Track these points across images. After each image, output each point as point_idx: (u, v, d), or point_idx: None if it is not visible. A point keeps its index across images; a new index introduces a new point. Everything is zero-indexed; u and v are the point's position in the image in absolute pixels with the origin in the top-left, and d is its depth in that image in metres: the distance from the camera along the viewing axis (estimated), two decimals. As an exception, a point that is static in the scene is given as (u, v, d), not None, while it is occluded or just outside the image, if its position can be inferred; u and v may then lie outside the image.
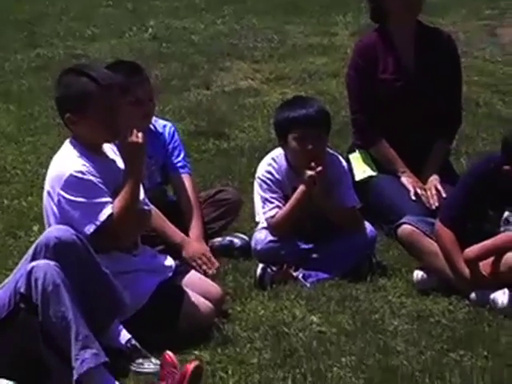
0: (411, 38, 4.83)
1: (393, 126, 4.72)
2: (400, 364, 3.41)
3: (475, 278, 3.92)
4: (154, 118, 4.39)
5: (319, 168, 4.20)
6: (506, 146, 3.93)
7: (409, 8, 4.77)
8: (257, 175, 4.36)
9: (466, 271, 3.95)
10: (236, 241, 4.46)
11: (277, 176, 4.30)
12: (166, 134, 4.44)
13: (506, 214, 3.98)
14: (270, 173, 4.31)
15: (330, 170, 4.29)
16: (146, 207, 3.65)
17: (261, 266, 4.11)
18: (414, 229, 4.10)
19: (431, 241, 4.07)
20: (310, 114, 4.25)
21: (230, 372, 3.37)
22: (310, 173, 4.21)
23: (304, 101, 4.47)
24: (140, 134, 3.54)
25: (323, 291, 4.02)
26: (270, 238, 4.25)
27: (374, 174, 4.76)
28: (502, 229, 3.97)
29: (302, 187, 4.23)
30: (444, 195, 4.58)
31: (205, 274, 4.02)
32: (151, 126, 4.35)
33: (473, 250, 3.92)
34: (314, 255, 4.23)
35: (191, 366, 2.88)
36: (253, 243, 4.31)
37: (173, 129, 4.48)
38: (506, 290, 3.86)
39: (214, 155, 5.75)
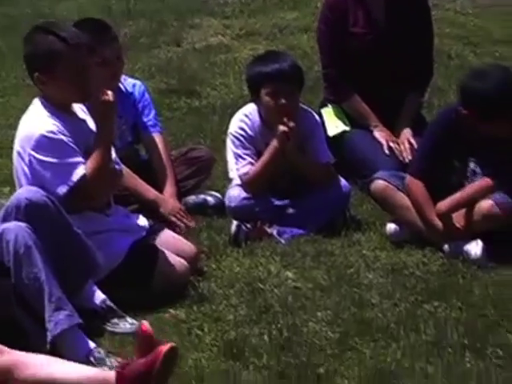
0: (381, -11, 4.79)
1: (365, 79, 4.70)
2: (375, 316, 3.43)
3: (448, 231, 3.95)
4: (123, 77, 4.35)
5: (292, 123, 4.19)
6: (462, 90, 3.96)
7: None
8: (229, 131, 4.34)
9: (439, 223, 3.97)
10: (210, 199, 4.45)
11: (249, 132, 4.28)
12: (136, 93, 4.40)
13: (472, 165, 4.00)
14: (242, 129, 4.29)
15: (302, 124, 4.27)
16: (117, 167, 3.63)
17: (235, 223, 4.10)
18: (388, 184, 4.11)
19: (403, 195, 4.08)
20: (283, 68, 4.23)
21: (205, 329, 3.37)
22: (282, 128, 4.19)
23: (277, 55, 4.45)
24: (110, 93, 3.51)
25: (298, 247, 4.02)
26: (244, 195, 4.24)
27: (347, 128, 4.75)
28: (469, 180, 4.00)
29: (274, 143, 4.21)
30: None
31: (185, 228, 4.02)
32: (120, 86, 4.31)
33: (444, 203, 3.95)
34: (289, 211, 4.23)
35: (164, 349, 2.76)
36: (227, 201, 4.30)
37: (143, 87, 4.45)
38: (479, 241, 3.88)
39: (185, 113, 5.71)
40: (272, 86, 4.22)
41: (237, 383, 3.03)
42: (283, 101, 4.20)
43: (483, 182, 3.93)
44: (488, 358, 3.16)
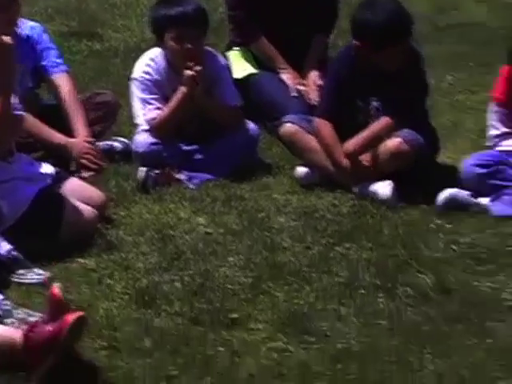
0: None
1: (271, 21, 4.65)
2: (287, 260, 3.43)
3: (358, 171, 3.96)
4: (20, 21, 4.19)
5: (198, 67, 4.11)
6: (352, 22, 4.00)
7: None
8: (133, 76, 4.24)
9: (347, 164, 3.98)
10: (116, 144, 4.35)
11: (155, 76, 4.19)
12: (35, 36, 4.25)
13: (374, 103, 4.03)
14: (148, 73, 4.19)
15: (209, 67, 4.21)
16: (17, 112, 3.51)
17: (143, 169, 4.03)
18: (296, 127, 4.10)
19: (312, 137, 4.08)
20: (187, 11, 4.15)
21: (116, 278, 3.31)
22: (189, 72, 4.11)
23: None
24: (6, 38, 3.37)
25: (207, 192, 3.98)
26: (152, 140, 4.16)
27: (255, 71, 4.70)
28: (373, 118, 4.02)
29: (182, 88, 4.13)
30: (324, 90, 4.57)
31: (98, 168, 3.93)
32: (18, 30, 4.15)
33: (350, 142, 3.97)
34: (197, 156, 4.19)
35: (71, 319, 2.71)
36: (133, 146, 4.22)
37: (41, 29, 4.30)
38: (388, 182, 3.91)
39: (86, 56, 5.57)
40: (176, 31, 4.14)
41: (149, 331, 2.99)
42: (188, 45, 4.13)
43: (383, 120, 3.97)
44: (398, 298, 3.20)
